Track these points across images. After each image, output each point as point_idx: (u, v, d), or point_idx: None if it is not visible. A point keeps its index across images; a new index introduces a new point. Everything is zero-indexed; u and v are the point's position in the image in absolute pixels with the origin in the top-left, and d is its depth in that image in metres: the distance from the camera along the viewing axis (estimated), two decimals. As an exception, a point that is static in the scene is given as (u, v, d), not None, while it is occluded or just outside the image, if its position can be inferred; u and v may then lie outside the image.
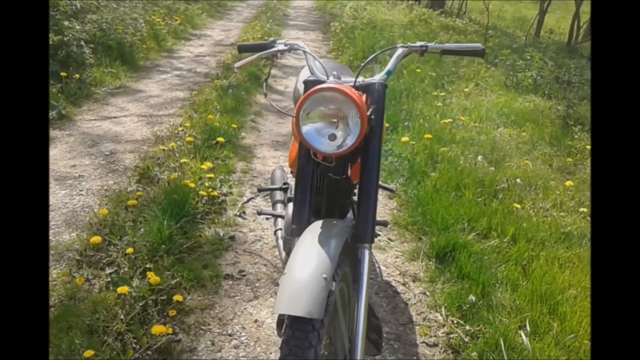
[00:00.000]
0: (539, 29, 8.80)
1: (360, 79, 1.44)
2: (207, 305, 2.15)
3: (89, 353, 1.73)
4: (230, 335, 2.01)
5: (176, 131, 4.05)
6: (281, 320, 2.01)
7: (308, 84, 1.45)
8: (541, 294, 2.15)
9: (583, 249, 2.53)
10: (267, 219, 2.86)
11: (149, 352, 1.85)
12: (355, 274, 1.38)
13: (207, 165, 3.30)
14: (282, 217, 2.20)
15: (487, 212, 2.81)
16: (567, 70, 5.66)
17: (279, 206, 2.37)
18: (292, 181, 2.49)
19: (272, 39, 1.65)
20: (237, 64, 1.63)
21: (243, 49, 1.71)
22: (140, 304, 2.01)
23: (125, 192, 3.01)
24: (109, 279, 2.21)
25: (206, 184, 3.09)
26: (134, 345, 1.85)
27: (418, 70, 5.81)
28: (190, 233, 2.62)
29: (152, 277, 2.09)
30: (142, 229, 2.55)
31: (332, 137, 1.30)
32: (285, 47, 1.58)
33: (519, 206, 2.90)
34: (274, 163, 3.74)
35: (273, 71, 6.77)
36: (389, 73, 1.47)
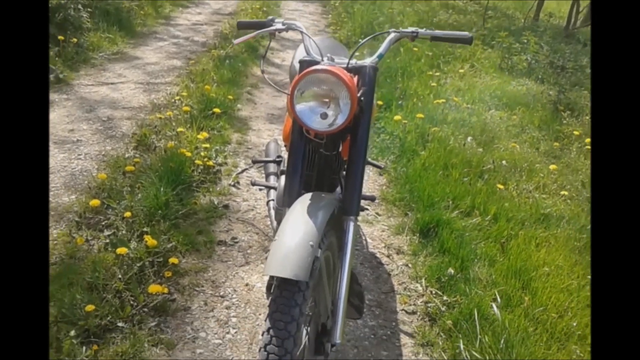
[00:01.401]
0: (538, 12, 8.79)
1: (354, 61, 1.52)
2: (201, 269, 2.27)
3: (90, 308, 1.84)
4: (222, 296, 2.14)
5: (173, 100, 4.11)
6: (270, 284, 2.13)
7: (303, 63, 1.53)
8: (516, 270, 2.28)
9: (560, 230, 2.66)
10: (259, 189, 2.96)
11: (146, 310, 1.97)
12: (341, 244, 1.49)
13: (204, 135, 3.37)
14: (275, 188, 2.30)
15: (472, 191, 2.92)
16: (561, 56, 5.73)
17: (272, 178, 2.47)
18: (286, 154, 2.59)
19: (270, 17, 1.72)
20: (236, 41, 1.70)
21: (242, 26, 1.78)
22: (138, 265, 2.12)
23: (123, 158, 3.09)
24: (107, 241, 2.32)
25: (202, 154, 3.18)
26: (131, 302, 1.97)
27: (415, 48, 5.85)
28: (185, 200, 2.71)
29: (150, 240, 2.20)
30: (139, 195, 2.65)
31: (324, 116, 1.39)
32: (283, 27, 1.66)
33: (502, 187, 3.02)
34: (269, 136, 3.82)
35: (271, 44, 6.79)
36: (380, 56, 1.56)
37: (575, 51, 6.26)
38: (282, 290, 1.24)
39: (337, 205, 1.47)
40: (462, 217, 2.73)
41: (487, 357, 1.80)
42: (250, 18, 6.99)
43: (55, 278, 2.04)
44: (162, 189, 2.64)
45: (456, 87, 4.86)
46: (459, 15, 8.27)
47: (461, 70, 5.34)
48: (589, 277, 2.27)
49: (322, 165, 1.66)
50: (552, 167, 3.35)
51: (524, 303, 2.06)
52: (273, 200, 2.30)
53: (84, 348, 1.73)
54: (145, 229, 2.40)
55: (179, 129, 3.43)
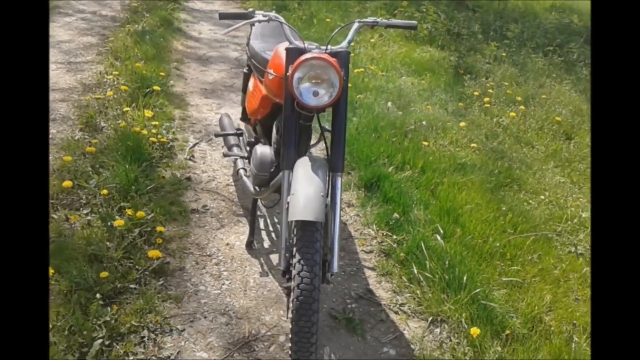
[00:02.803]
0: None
1: (329, 47, 1.86)
2: (184, 234, 2.53)
3: (104, 274, 2.06)
4: (209, 255, 2.43)
5: (104, 79, 4.13)
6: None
7: (291, 51, 1.84)
8: (446, 209, 2.81)
9: (474, 175, 3.24)
10: (226, 160, 3.18)
11: (147, 273, 2.22)
12: (331, 197, 1.85)
13: (149, 113, 3.52)
14: (245, 157, 2.59)
15: (401, 149, 3.41)
16: (457, 23, 6.41)
17: (235, 149, 2.75)
18: (242, 126, 2.86)
19: (250, 9, 1.98)
20: (223, 32, 1.97)
21: (223, 17, 2.03)
22: (132, 235, 2.34)
23: (74, 140, 3.17)
24: (89, 218, 2.49)
25: (153, 131, 3.34)
26: (136, 267, 2.20)
27: (327, 19, 6.22)
28: (151, 176, 2.91)
29: (138, 213, 2.41)
30: (106, 174, 2.80)
31: (316, 94, 1.74)
32: (264, 18, 1.93)
33: (426, 143, 3.54)
34: (208, 110, 4.03)
35: (183, 15, 6.77)
36: (349, 42, 1.91)
37: (468, 18, 6.98)
38: (305, 231, 1.59)
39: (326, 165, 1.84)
40: (396, 171, 3.21)
41: (436, 276, 2.30)
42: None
43: (53, 254, 2.20)
44: (128, 166, 2.81)
45: (370, 56, 5.33)
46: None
47: (372, 40, 5.81)
48: (503, 208, 2.86)
49: (302, 134, 2.00)
50: (462, 124, 3.94)
51: (457, 234, 2.59)
52: (244, 169, 2.60)
53: (108, 309, 1.97)
54: (123, 204, 2.59)
55: (125, 108, 3.54)
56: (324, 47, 1.84)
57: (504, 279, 2.36)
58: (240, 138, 2.85)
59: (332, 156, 1.86)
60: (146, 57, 4.70)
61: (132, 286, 2.12)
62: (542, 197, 3.15)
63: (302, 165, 1.75)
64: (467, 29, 6.36)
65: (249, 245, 2.50)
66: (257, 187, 2.35)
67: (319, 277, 1.56)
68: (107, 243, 2.32)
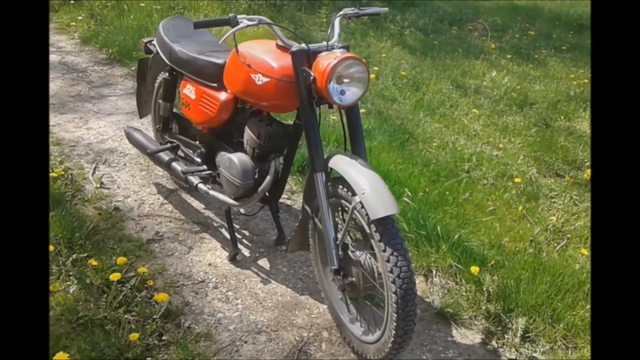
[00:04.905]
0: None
1: (324, 44, 1.88)
2: (160, 269, 2.32)
3: (134, 336, 1.82)
4: (202, 281, 2.29)
5: None
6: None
7: (298, 54, 1.82)
8: (384, 173, 3.07)
9: (382, 138, 3.57)
10: (140, 177, 2.89)
11: (159, 318, 2.01)
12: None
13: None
14: (207, 172, 2.42)
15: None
16: None
17: (176, 164, 2.55)
18: (176, 139, 2.65)
19: (231, 14, 1.85)
20: (220, 40, 1.84)
21: (199, 25, 1.86)
22: (127, 286, 2.06)
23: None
24: (67, 284, 2.10)
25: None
26: (152, 318, 1.98)
27: (142, 4, 5.78)
28: (77, 216, 2.53)
29: (119, 259, 2.12)
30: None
31: (342, 93, 1.78)
32: (254, 22, 1.83)
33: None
34: (75, 127, 3.54)
35: None
36: (339, 36, 1.96)
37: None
38: (386, 225, 1.67)
39: None
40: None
41: (414, 234, 2.58)
42: None
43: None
44: (53, 213, 2.40)
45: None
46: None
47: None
48: (418, 161, 3.26)
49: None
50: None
51: (405, 193, 2.89)
52: (202, 183, 2.45)
53: (151, 371, 1.77)
54: (76, 256, 2.23)
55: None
56: (324, 44, 1.87)
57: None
58: (177, 151, 2.66)
59: (359, 149, 1.92)
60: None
61: (154, 342, 1.91)
62: (435, 144, 3.66)
63: (345, 164, 1.79)
64: None
65: (234, 258, 2.42)
66: (239, 199, 2.27)
67: (411, 264, 1.68)
68: (101, 299, 2.02)
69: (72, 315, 1.94)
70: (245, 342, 2.00)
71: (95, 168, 3.04)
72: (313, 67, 1.82)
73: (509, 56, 6.01)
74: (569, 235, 2.72)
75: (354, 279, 1.84)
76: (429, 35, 6.53)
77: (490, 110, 4.35)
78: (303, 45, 1.86)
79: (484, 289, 2.30)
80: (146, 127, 3.33)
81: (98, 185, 2.87)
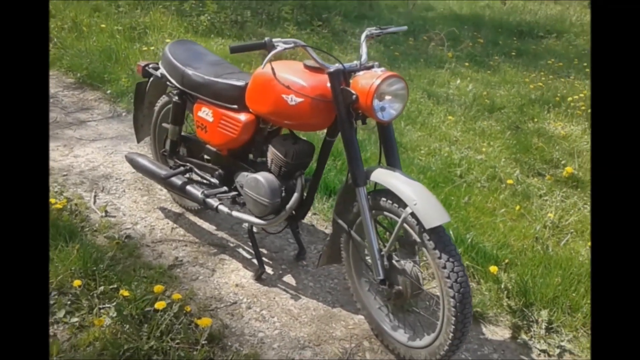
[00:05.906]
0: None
1: (355, 63, 1.96)
2: (190, 294, 2.29)
3: (192, 364, 1.79)
4: (234, 303, 2.28)
5: None
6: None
7: (335, 74, 1.88)
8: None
9: (374, 147, 3.67)
10: (143, 202, 2.84)
11: (205, 342, 1.99)
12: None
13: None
14: (223, 192, 2.42)
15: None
16: (239, 13, 6.57)
17: (192, 188, 2.53)
18: (189, 161, 2.64)
19: (267, 38, 1.88)
20: (263, 65, 1.87)
21: (235, 50, 1.88)
22: (170, 315, 2.03)
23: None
24: (102, 318, 2.03)
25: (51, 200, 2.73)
26: (201, 344, 1.96)
27: (102, 25, 5.64)
28: (95, 248, 2.45)
29: (156, 287, 2.08)
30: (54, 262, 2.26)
31: (383, 109, 1.86)
32: (289, 45, 1.87)
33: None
34: (62, 156, 3.42)
35: None
36: (367, 55, 2.04)
37: (250, 8, 7.17)
38: (438, 233, 1.75)
39: None
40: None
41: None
42: None
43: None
44: (72, 245, 2.32)
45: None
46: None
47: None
48: (412, 168, 3.38)
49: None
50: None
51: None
52: (221, 204, 2.44)
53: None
54: (103, 288, 2.17)
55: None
56: (355, 63, 1.95)
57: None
58: (191, 174, 2.64)
59: (395, 162, 2.00)
60: None
61: (214, 363, 1.90)
62: (422, 151, 3.81)
63: (389, 177, 1.86)
64: (245, 15, 6.60)
65: (259, 277, 2.43)
66: (266, 218, 2.29)
67: (465, 268, 1.77)
68: (143, 331, 1.97)
69: (116, 349, 1.89)
70: (294, 359, 2.02)
71: (95, 196, 2.96)
72: (352, 86, 1.89)
73: (467, 64, 6.32)
74: (572, 230, 2.91)
75: (400, 287, 1.91)
76: (389, 47, 6.75)
77: (464, 116, 4.57)
78: (338, 65, 1.93)
79: (503, 286, 2.43)
80: (136, 150, 3.27)
81: (103, 214, 2.79)
